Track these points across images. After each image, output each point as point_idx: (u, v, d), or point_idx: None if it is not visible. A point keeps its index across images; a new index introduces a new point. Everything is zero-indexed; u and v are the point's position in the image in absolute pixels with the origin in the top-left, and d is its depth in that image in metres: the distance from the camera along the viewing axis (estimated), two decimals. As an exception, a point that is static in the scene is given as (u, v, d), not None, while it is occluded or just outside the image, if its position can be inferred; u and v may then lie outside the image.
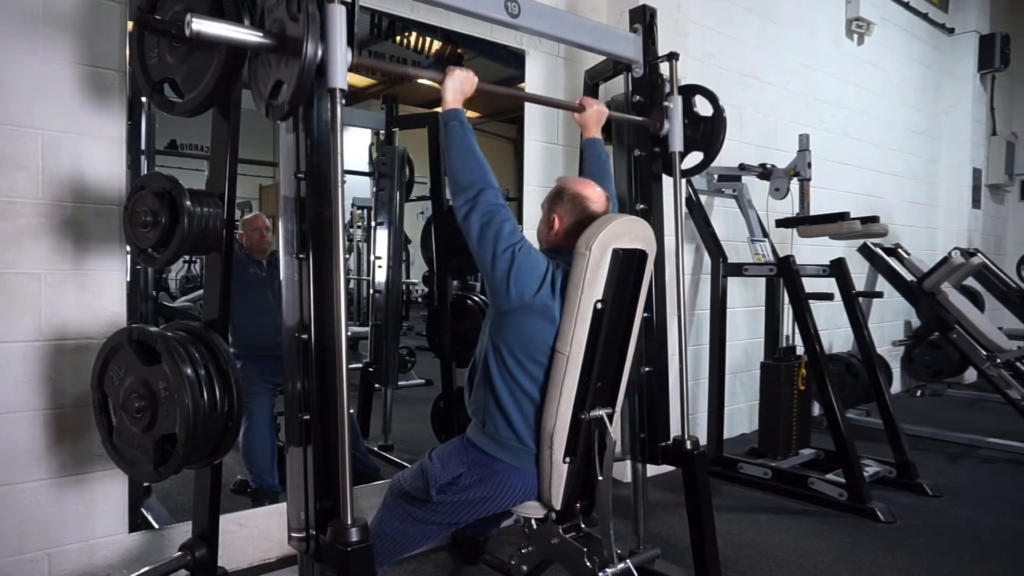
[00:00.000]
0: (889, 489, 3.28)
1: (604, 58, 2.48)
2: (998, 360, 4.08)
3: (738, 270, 3.54)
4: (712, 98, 2.36)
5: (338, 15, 1.48)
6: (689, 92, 2.40)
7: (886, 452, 3.43)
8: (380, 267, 3.53)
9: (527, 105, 3.16)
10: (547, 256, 1.81)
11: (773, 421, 3.52)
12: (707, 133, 2.39)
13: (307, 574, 1.69)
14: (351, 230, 3.70)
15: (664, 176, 2.38)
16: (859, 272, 4.71)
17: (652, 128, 2.26)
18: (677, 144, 2.28)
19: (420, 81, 3.23)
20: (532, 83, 3.17)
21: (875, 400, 3.51)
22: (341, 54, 1.48)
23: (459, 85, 1.79)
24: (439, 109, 1.81)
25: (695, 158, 2.46)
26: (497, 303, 1.71)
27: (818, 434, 3.76)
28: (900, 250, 4.78)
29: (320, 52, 1.46)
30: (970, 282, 4.95)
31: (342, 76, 1.48)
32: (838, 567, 2.48)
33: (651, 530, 2.67)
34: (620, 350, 1.84)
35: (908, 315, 5.77)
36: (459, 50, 3.14)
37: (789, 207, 3.61)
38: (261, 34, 1.50)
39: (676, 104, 2.28)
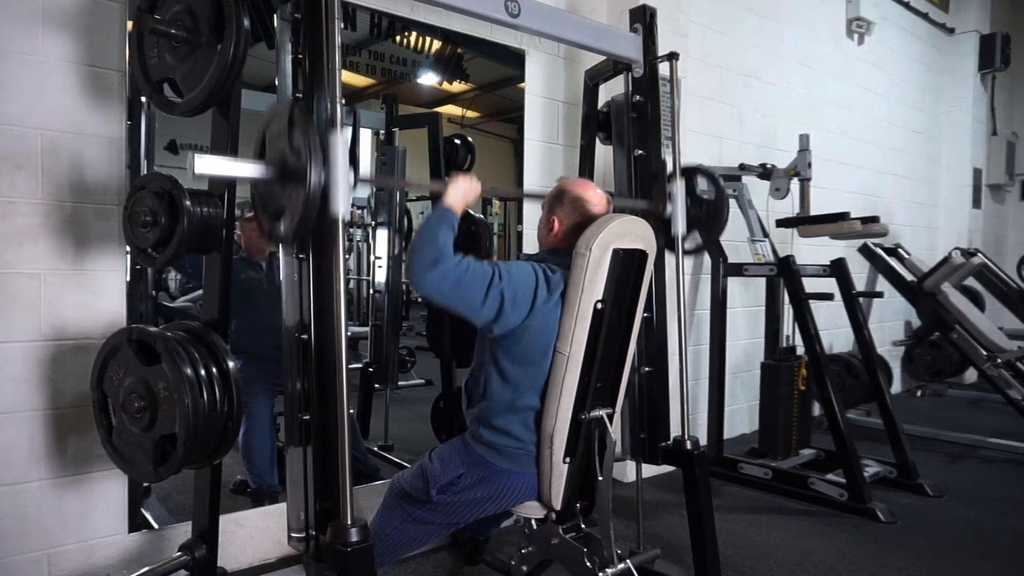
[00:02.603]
0: (889, 489, 3.27)
1: (604, 58, 2.48)
2: (998, 360, 4.08)
3: (738, 270, 3.54)
4: (713, 180, 2.38)
5: (340, 143, 1.47)
6: (691, 173, 2.42)
7: (886, 452, 3.42)
8: (380, 267, 3.53)
9: (527, 105, 3.16)
10: (539, 258, 1.81)
11: (773, 421, 3.52)
12: (710, 214, 2.41)
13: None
14: (351, 230, 3.70)
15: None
16: (859, 272, 4.71)
17: (655, 211, 2.28)
18: (679, 228, 2.28)
19: (420, 81, 3.27)
20: (532, 83, 3.17)
21: (875, 400, 3.50)
22: (344, 182, 1.47)
23: (462, 193, 1.75)
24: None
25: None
26: (495, 331, 1.69)
27: (818, 434, 3.76)
28: (900, 250, 4.77)
29: (324, 180, 1.45)
30: (970, 282, 4.95)
31: (345, 204, 1.47)
32: (838, 567, 2.48)
33: (651, 530, 2.67)
34: (620, 350, 1.84)
35: (908, 315, 5.76)
36: (459, 50, 3.14)
37: (789, 207, 3.60)
38: (264, 166, 1.51)
39: (678, 188, 2.28)
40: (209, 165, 1.44)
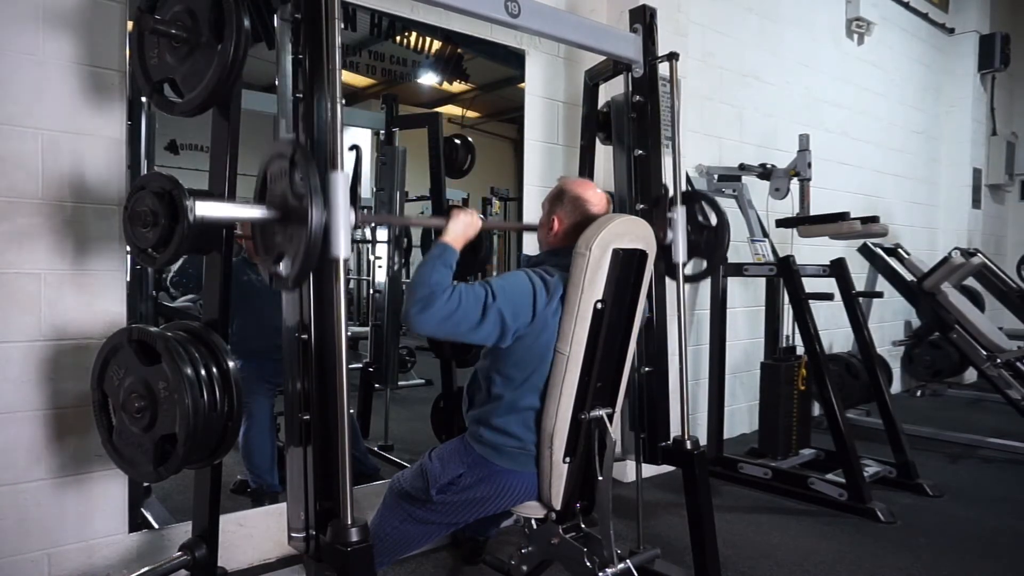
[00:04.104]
0: (889, 489, 3.27)
1: (604, 58, 2.48)
2: (998, 360, 4.08)
3: (738, 270, 3.54)
4: (714, 206, 2.37)
5: (341, 183, 1.46)
6: (693, 199, 2.40)
7: (886, 452, 3.43)
8: (380, 267, 3.53)
9: (527, 105, 3.16)
10: (537, 261, 1.81)
11: (773, 421, 3.52)
12: (711, 241, 2.40)
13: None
14: (351, 230, 3.69)
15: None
16: (859, 272, 4.71)
17: (656, 237, 2.26)
18: (680, 256, 2.25)
19: (420, 81, 3.27)
20: (532, 83, 3.17)
21: (875, 400, 3.51)
22: (345, 222, 1.46)
23: (462, 229, 1.75)
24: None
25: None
26: (501, 346, 1.69)
27: (818, 434, 3.76)
28: (900, 250, 4.78)
29: (325, 221, 1.44)
30: (970, 282, 4.95)
31: (345, 246, 1.47)
32: (838, 567, 2.48)
33: (651, 530, 2.67)
34: (620, 350, 1.84)
35: (908, 315, 5.76)
36: (459, 50, 3.14)
37: (789, 207, 3.61)
38: (265, 209, 1.51)
39: (679, 215, 2.26)
40: (210, 209, 1.45)
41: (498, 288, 1.65)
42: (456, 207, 1.79)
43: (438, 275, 1.62)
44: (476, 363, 1.88)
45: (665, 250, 2.26)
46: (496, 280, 1.68)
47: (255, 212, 1.52)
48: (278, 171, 1.52)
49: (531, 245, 2.66)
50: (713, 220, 2.38)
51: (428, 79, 3.26)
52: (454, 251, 1.70)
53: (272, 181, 1.54)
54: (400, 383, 3.61)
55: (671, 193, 2.30)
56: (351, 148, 3.18)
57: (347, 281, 1.92)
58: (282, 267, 1.50)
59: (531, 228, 2.11)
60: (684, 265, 2.31)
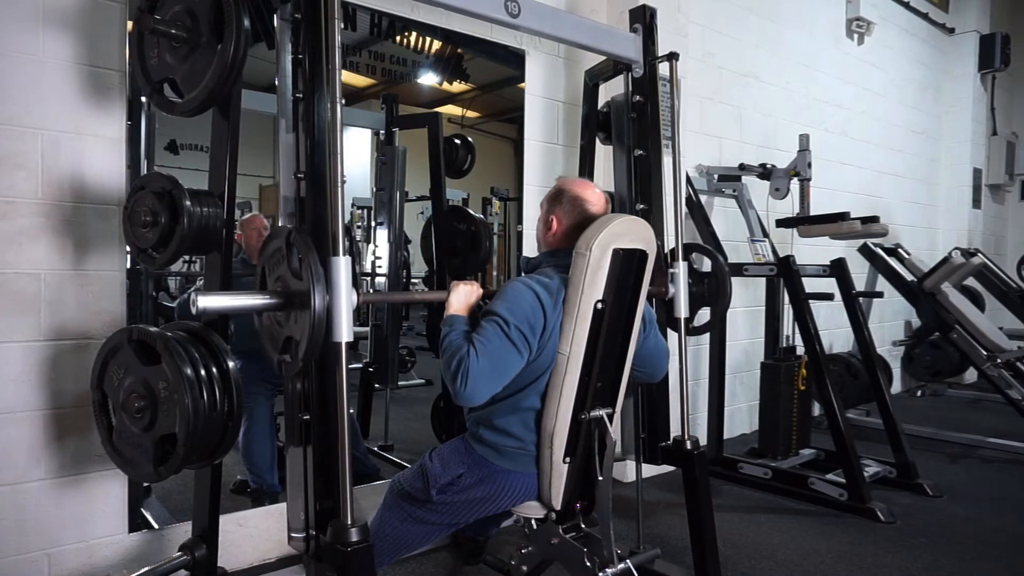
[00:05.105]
0: (889, 489, 3.27)
1: (604, 58, 2.48)
2: (998, 360, 4.08)
3: (738, 270, 3.53)
4: (710, 255, 2.38)
5: (343, 267, 1.45)
6: (688, 251, 2.40)
7: (886, 452, 3.43)
8: (380, 267, 3.53)
9: (527, 105, 3.17)
10: (534, 264, 1.81)
11: (773, 421, 3.52)
12: (712, 289, 2.40)
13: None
14: (352, 231, 3.70)
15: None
16: (859, 272, 4.71)
17: (658, 294, 2.25)
18: (682, 311, 2.22)
19: (420, 81, 3.27)
20: (532, 83, 3.17)
21: (875, 400, 3.50)
22: (347, 307, 1.45)
23: (464, 299, 1.77)
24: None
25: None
26: (530, 358, 1.69)
27: (818, 434, 3.76)
28: (900, 250, 4.78)
29: (328, 304, 1.43)
30: (970, 282, 4.95)
31: (348, 329, 1.45)
32: (838, 567, 2.48)
33: (651, 530, 2.67)
34: (620, 350, 1.84)
35: (908, 315, 5.77)
36: (459, 50, 3.14)
37: (789, 207, 3.61)
38: (267, 297, 1.50)
39: (680, 270, 2.23)
40: (214, 301, 1.44)
41: (505, 311, 1.64)
42: (455, 282, 1.80)
43: (457, 344, 1.63)
44: None
45: (667, 304, 2.24)
46: (499, 304, 1.66)
47: (259, 300, 1.51)
48: (274, 250, 1.52)
49: (531, 245, 2.67)
50: (711, 267, 2.39)
51: (428, 79, 3.26)
52: (462, 318, 1.72)
53: (270, 269, 1.54)
54: (400, 383, 3.61)
55: (670, 245, 2.28)
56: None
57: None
58: (289, 356, 1.49)
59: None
60: (689, 321, 2.29)
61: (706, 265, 2.49)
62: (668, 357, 2.10)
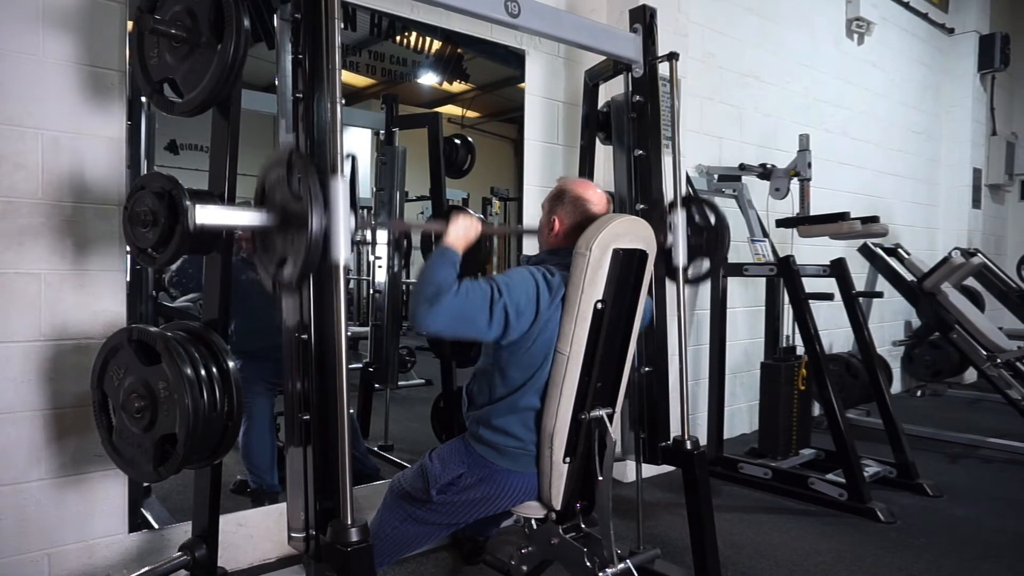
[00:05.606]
0: (889, 489, 3.28)
1: (604, 58, 2.48)
2: (998, 360, 4.08)
3: (738, 270, 3.54)
4: (713, 208, 2.38)
5: (341, 188, 1.46)
6: (691, 203, 2.41)
7: (886, 452, 3.42)
8: (380, 267, 3.53)
9: (527, 105, 3.16)
10: (538, 260, 1.81)
11: (773, 421, 3.52)
12: (711, 241, 2.40)
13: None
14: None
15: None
16: (859, 272, 4.71)
17: (656, 241, 2.26)
18: (680, 259, 2.25)
19: (420, 81, 3.26)
20: (532, 83, 3.17)
21: (875, 400, 3.50)
22: (344, 228, 1.46)
23: (462, 232, 1.76)
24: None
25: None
26: (503, 343, 1.69)
27: (818, 434, 3.76)
28: (900, 250, 4.78)
29: (325, 225, 1.44)
30: (970, 282, 4.95)
31: (345, 250, 1.47)
32: (838, 567, 2.48)
33: (651, 530, 2.67)
34: (620, 350, 1.84)
35: (908, 315, 5.77)
36: (459, 50, 3.14)
37: (789, 207, 3.61)
38: (264, 214, 1.51)
39: (679, 219, 2.26)
40: (210, 215, 1.45)
41: (503, 284, 1.65)
42: (456, 208, 1.79)
43: (443, 273, 1.62)
44: (476, 363, 1.88)
45: (666, 253, 2.26)
46: (501, 277, 1.68)
47: (256, 218, 1.52)
48: (276, 178, 1.52)
49: (531, 245, 2.67)
50: (712, 220, 2.38)
51: (428, 79, 3.26)
52: (456, 252, 1.71)
53: (271, 189, 1.54)
54: (400, 383, 3.61)
55: (669, 197, 2.29)
56: (347, 157, 3.18)
57: (347, 281, 1.92)
58: (285, 271, 1.49)
59: (531, 232, 2.11)
60: (686, 269, 2.30)
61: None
62: (652, 311, 2.18)
